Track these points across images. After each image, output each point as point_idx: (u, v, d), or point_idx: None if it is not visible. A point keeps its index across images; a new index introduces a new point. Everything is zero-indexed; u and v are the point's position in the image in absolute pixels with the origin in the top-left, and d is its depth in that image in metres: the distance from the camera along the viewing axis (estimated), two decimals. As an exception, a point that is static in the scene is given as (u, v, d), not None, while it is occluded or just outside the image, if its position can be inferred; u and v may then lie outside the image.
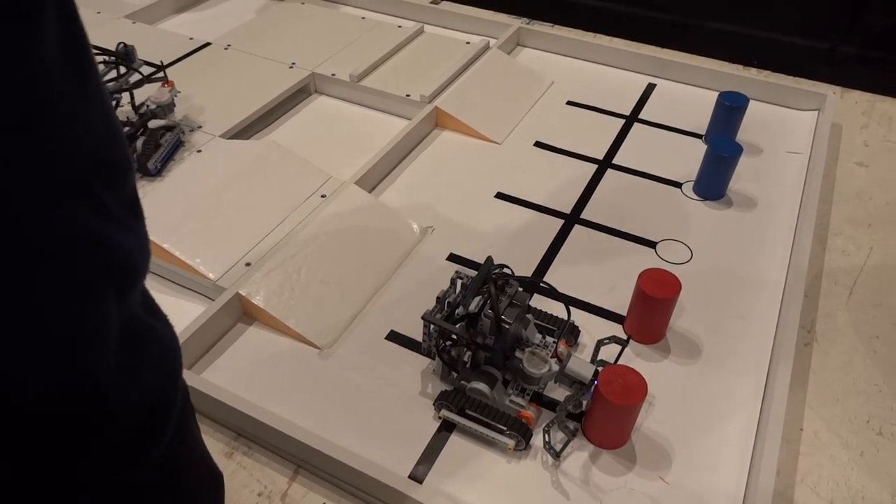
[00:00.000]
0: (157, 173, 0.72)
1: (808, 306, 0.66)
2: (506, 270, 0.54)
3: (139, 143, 0.72)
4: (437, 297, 0.55)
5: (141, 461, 0.28)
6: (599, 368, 0.51)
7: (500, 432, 0.52)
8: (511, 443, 0.51)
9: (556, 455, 0.51)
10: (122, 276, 0.25)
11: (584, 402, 0.52)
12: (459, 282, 0.56)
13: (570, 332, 0.59)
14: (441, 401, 0.53)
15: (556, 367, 0.52)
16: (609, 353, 0.59)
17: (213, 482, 0.38)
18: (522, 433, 0.51)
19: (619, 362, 0.59)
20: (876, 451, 0.54)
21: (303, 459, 0.52)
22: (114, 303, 0.24)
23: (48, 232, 0.21)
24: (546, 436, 0.52)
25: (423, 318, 0.54)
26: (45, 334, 0.22)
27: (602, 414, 0.51)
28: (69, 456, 0.25)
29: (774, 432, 0.51)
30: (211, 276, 0.63)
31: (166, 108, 0.76)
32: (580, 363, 0.52)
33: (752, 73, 0.99)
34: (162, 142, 0.73)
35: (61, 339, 0.22)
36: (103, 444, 0.26)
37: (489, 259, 0.54)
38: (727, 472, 0.51)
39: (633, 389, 0.49)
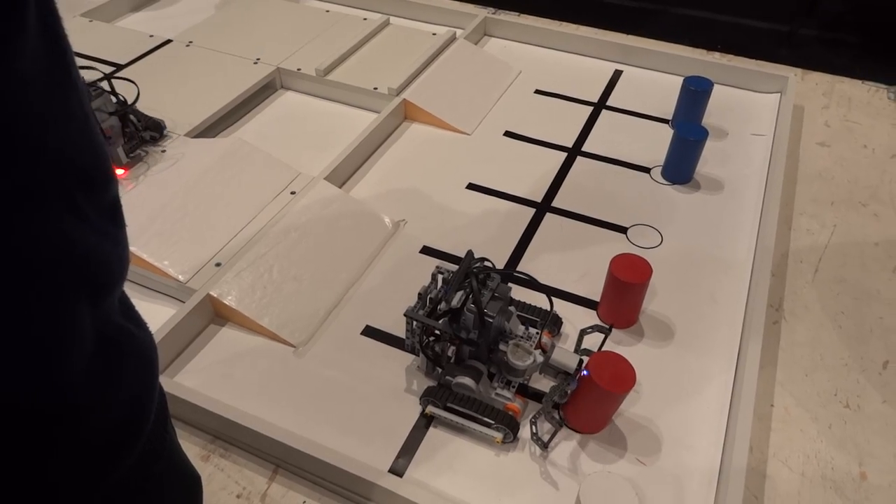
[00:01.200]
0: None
1: (776, 285, 0.67)
2: (486, 264, 0.54)
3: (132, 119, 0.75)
4: (419, 293, 0.55)
5: (116, 465, 0.28)
6: (584, 358, 0.52)
7: (488, 426, 0.52)
8: (499, 436, 0.51)
9: (544, 446, 0.51)
10: (97, 281, 0.25)
11: (570, 392, 0.52)
12: (440, 277, 0.56)
13: (553, 323, 0.60)
14: (427, 397, 0.53)
15: (540, 358, 0.52)
16: (592, 342, 0.60)
17: (191, 485, 0.38)
18: (510, 426, 0.51)
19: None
20: (843, 423, 0.56)
21: (281, 459, 0.52)
22: (88, 307, 0.24)
23: (22, 236, 0.21)
24: (533, 427, 0.52)
25: (405, 314, 0.53)
26: (15, 336, 0.22)
27: (591, 400, 0.51)
28: (39, 459, 0.25)
29: (746, 410, 0.52)
30: (180, 277, 0.62)
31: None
32: (564, 353, 0.52)
33: (716, 57, 1.00)
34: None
35: (31, 341, 0.22)
36: (75, 447, 0.26)
37: (469, 253, 0.54)
38: (702, 450, 0.52)
39: (624, 377, 0.49)
